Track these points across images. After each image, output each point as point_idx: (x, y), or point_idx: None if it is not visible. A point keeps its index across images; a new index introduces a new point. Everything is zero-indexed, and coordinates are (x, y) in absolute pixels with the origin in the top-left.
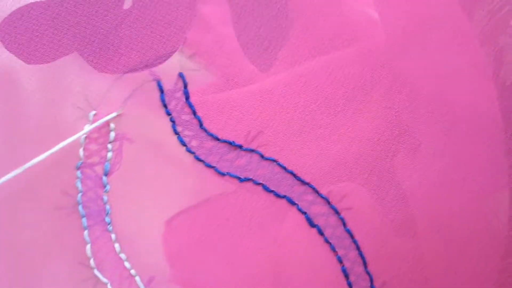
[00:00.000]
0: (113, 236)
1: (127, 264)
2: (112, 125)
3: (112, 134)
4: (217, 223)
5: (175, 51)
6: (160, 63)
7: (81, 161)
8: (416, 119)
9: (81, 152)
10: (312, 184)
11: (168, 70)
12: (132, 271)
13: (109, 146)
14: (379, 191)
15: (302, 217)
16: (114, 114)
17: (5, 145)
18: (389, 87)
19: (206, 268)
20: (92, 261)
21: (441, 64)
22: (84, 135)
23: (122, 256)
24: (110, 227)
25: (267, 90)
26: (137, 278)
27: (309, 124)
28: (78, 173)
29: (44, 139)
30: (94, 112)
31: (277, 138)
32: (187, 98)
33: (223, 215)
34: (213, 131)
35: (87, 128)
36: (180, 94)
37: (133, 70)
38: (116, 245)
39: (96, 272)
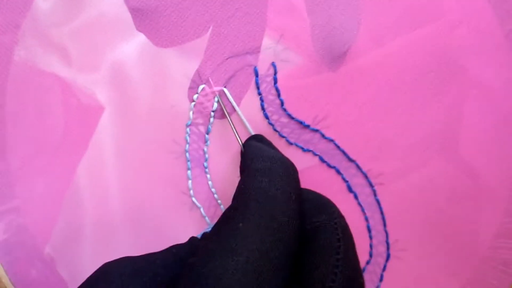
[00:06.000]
0: (208, 176)
1: (216, 196)
2: (216, 97)
3: (215, 105)
4: None
5: (271, 43)
6: (258, 52)
7: (190, 121)
8: (469, 116)
9: (190, 114)
10: (357, 161)
11: (264, 58)
12: (219, 201)
13: (212, 113)
14: (412, 178)
15: (344, 185)
16: (218, 88)
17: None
18: (446, 77)
19: None
20: (191, 192)
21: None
22: (194, 103)
23: (213, 190)
24: (207, 170)
25: (336, 83)
26: (222, 207)
27: (365, 116)
28: (188, 129)
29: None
30: (202, 85)
31: (338, 123)
32: (275, 83)
33: None
34: (290, 111)
35: (195, 97)
36: (270, 79)
37: (236, 55)
38: (210, 183)
39: (193, 199)
